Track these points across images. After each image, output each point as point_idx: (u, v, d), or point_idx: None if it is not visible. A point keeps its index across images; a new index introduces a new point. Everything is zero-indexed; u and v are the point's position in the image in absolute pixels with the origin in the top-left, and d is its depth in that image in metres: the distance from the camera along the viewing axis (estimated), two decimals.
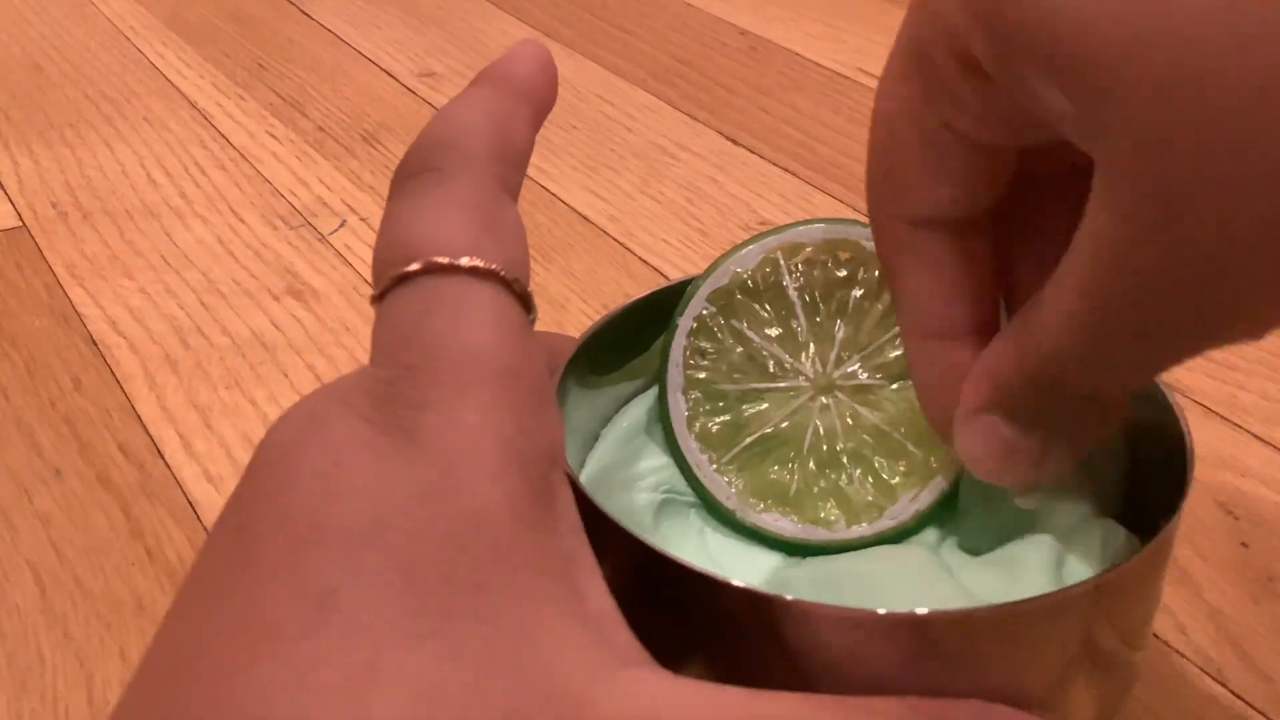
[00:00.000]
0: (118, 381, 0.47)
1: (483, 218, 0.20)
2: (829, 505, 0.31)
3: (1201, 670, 0.36)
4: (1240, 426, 0.45)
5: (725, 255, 0.33)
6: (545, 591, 0.18)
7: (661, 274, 0.54)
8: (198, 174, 0.63)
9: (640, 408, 0.34)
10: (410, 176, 0.21)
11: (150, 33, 0.80)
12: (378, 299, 0.20)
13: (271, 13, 0.83)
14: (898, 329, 0.32)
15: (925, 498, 0.31)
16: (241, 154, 0.65)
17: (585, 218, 0.59)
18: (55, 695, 0.35)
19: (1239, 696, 0.35)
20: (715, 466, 0.31)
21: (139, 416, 0.45)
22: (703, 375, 0.32)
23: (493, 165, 0.21)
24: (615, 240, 0.57)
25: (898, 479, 0.31)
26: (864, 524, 0.30)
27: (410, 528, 0.17)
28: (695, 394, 0.32)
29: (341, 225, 0.58)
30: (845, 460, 0.31)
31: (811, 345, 0.32)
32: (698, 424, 0.32)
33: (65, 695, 0.35)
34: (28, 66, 0.74)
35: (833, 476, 0.31)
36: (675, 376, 0.32)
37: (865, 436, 0.31)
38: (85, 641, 0.36)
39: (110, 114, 0.69)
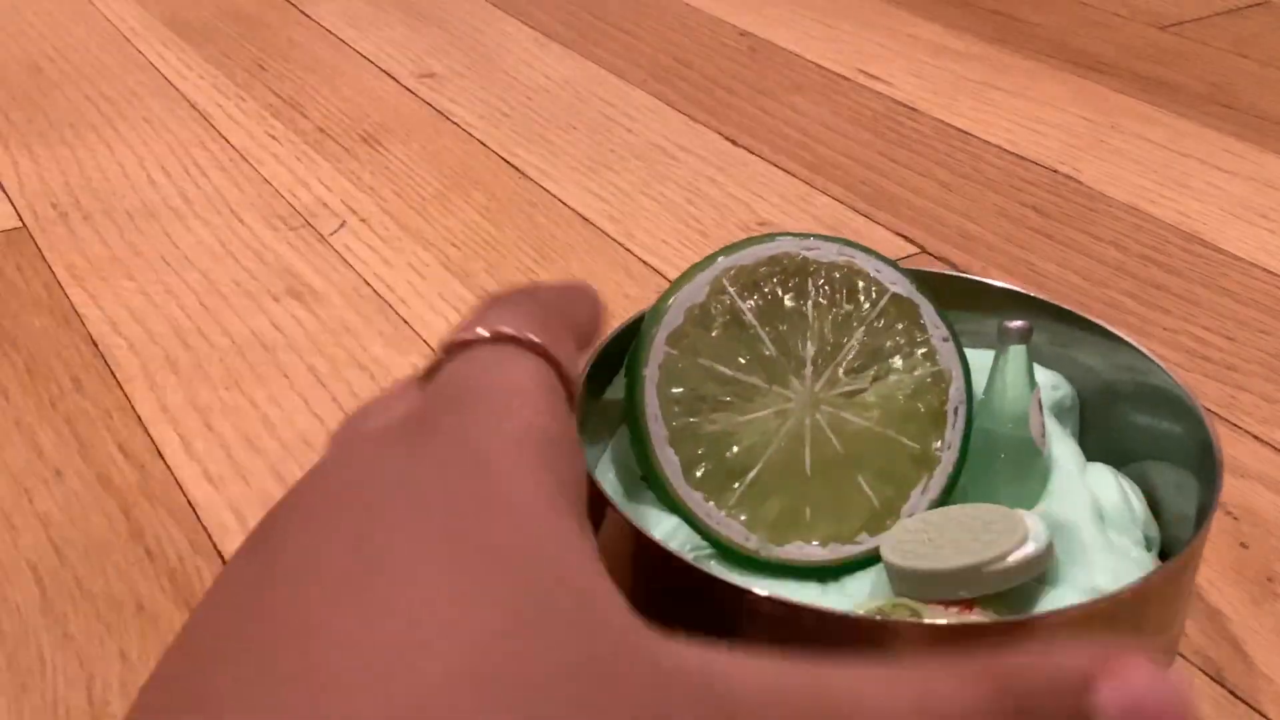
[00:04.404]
0: (118, 382, 0.47)
1: (551, 328, 0.23)
2: (846, 519, 0.31)
3: (1201, 670, 0.36)
4: (1240, 427, 0.45)
5: (669, 292, 0.33)
6: (591, 567, 0.18)
7: (661, 274, 0.54)
8: (198, 175, 0.63)
9: (614, 470, 0.33)
10: (495, 298, 0.24)
11: (150, 33, 0.80)
12: (442, 355, 0.23)
13: (271, 13, 0.83)
14: (860, 328, 0.32)
15: (935, 486, 0.31)
16: (241, 155, 0.65)
17: (585, 218, 0.59)
18: (55, 695, 0.35)
19: (1239, 697, 0.35)
20: (724, 511, 0.30)
21: (139, 417, 0.45)
22: (684, 422, 0.31)
23: (562, 324, 0.24)
24: (615, 241, 0.57)
25: (903, 476, 0.31)
26: (886, 530, 0.30)
27: (452, 507, 0.18)
28: (683, 443, 0.31)
29: (341, 226, 0.58)
30: (848, 471, 0.31)
31: (785, 364, 0.32)
32: (694, 473, 0.31)
33: (65, 695, 0.35)
34: (28, 67, 0.75)
35: (841, 490, 0.31)
36: (658, 430, 0.31)
37: (861, 443, 0.31)
38: (85, 642, 0.36)
39: (110, 114, 0.69)
